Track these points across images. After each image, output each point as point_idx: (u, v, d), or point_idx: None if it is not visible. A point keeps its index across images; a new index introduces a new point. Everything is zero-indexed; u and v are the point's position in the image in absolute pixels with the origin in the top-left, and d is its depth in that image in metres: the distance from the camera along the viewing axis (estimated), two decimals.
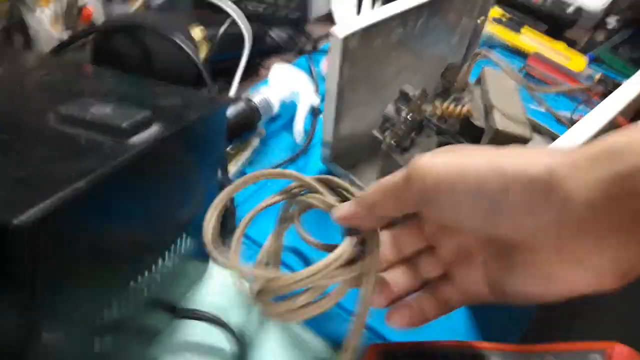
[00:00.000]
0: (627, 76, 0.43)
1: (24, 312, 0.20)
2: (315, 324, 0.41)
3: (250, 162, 0.54)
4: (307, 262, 0.43)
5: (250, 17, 0.60)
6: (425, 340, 0.36)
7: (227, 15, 0.60)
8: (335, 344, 0.40)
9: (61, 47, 0.50)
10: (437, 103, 0.44)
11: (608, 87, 0.67)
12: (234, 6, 0.59)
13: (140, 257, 0.30)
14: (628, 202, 0.20)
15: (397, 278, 0.31)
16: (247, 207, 0.48)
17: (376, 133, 0.44)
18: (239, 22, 0.58)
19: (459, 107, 0.44)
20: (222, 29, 0.57)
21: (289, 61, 0.71)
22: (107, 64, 0.51)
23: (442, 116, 0.44)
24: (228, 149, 0.51)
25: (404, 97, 0.43)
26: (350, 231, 0.29)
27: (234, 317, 0.40)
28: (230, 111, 0.51)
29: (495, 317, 0.42)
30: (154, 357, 0.38)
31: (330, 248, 0.29)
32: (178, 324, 0.40)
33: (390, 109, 0.43)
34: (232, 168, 0.50)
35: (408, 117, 0.42)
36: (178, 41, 0.49)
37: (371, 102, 0.50)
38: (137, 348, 0.34)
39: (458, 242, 0.30)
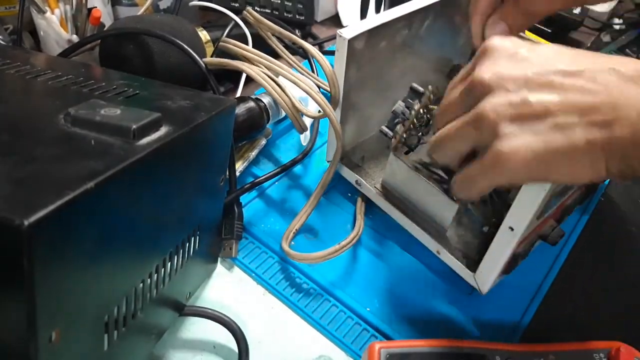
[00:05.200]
0: None
1: (29, 313, 0.20)
2: (317, 322, 0.41)
3: (256, 162, 0.54)
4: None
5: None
6: (426, 339, 0.36)
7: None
8: (337, 342, 0.40)
9: (71, 50, 0.51)
10: None
11: None
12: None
13: (148, 258, 0.30)
14: None
15: None
16: (248, 213, 0.49)
17: (385, 129, 0.45)
18: (241, 24, 0.59)
19: None
20: (225, 32, 0.57)
21: (295, 63, 0.71)
22: (116, 66, 0.51)
23: None
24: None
25: (415, 93, 0.43)
26: None
27: (238, 316, 0.41)
28: (240, 110, 0.52)
29: (496, 317, 0.43)
30: (159, 355, 0.38)
31: None
32: (183, 321, 0.40)
33: (399, 105, 0.44)
34: (239, 167, 0.51)
35: (421, 110, 0.42)
36: (184, 46, 0.49)
37: (376, 103, 0.51)
38: (144, 346, 0.34)
39: None
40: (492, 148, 0.29)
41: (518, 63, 0.30)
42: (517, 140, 0.28)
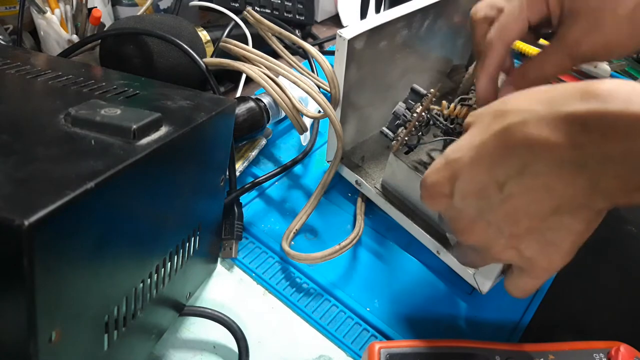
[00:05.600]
0: (636, 77, 0.44)
1: (29, 313, 0.20)
2: (317, 322, 0.41)
3: (256, 162, 0.54)
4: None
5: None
6: (426, 339, 0.36)
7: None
8: (337, 342, 0.40)
9: (71, 50, 0.51)
10: (444, 103, 0.45)
11: None
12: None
13: (148, 258, 0.30)
14: None
15: None
16: (248, 212, 0.49)
17: (386, 130, 0.45)
18: (241, 24, 0.59)
19: (465, 108, 0.44)
20: (225, 32, 0.57)
21: (295, 63, 0.71)
22: (116, 66, 0.51)
23: (448, 116, 0.44)
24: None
25: (416, 95, 0.43)
26: None
27: (238, 316, 0.41)
28: (240, 110, 0.52)
29: (496, 317, 0.43)
30: (159, 355, 0.38)
31: None
32: (183, 321, 0.40)
33: (400, 106, 0.44)
34: (239, 167, 0.51)
35: (423, 113, 0.42)
36: (184, 46, 0.49)
37: (376, 103, 0.51)
38: (144, 346, 0.34)
39: None
40: (530, 267, 0.30)
41: (485, 206, 0.29)
42: (547, 254, 0.29)
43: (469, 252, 0.34)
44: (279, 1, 0.71)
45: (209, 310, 0.39)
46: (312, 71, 0.63)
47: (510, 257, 0.30)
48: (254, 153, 0.53)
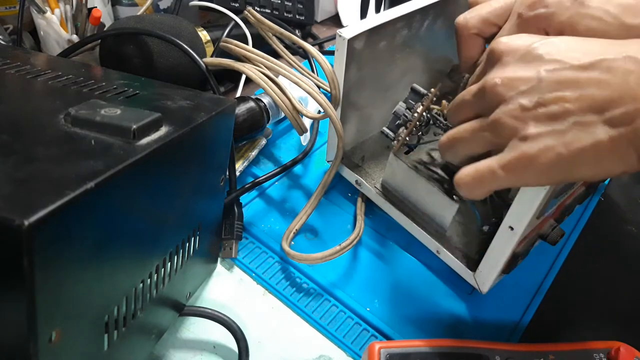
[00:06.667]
0: None
1: (29, 313, 0.20)
2: (317, 322, 0.41)
3: (256, 162, 0.54)
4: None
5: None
6: (426, 339, 0.36)
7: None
8: (337, 342, 0.40)
9: (71, 50, 0.51)
10: (445, 103, 0.44)
11: None
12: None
13: (148, 258, 0.30)
14: None
15: None
16: (248, 212, 0.49)
17: (386, 130, 0.45)
18: (241, 24, 0.59)
19: None
20: (225, 32, 0.57)
21: (295, 63, 0.71)
22: (116, 66, 0.51)
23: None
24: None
25: (416, 94, 0.43)
26: None
27: (238, 316, 0.41)
28: (240, 110, 0.52)
29: (496, 317, 0.43)
30: (159, 355, 0.38)
31: None
32: (183, 321, 0.40)
33: (401, 106, 0.44)
34: (239, 166, 0.51)
35: (424, 113, 0.42)
36: (184, 46, 0.49)
37: (376, 103, 0.51)
38: (144, 346, 0.34)
39: None
40: (514, 150, 0.28)
41: (529, 63, 0.29)
42: (539, 143, 0.27)
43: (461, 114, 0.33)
44: (279, 1, 0.71)
45: (209, 310, 0.39)
46: (312, 71, 0.63)
47: (505, 131, 0.29)
48: (254, 153, 0.53)
